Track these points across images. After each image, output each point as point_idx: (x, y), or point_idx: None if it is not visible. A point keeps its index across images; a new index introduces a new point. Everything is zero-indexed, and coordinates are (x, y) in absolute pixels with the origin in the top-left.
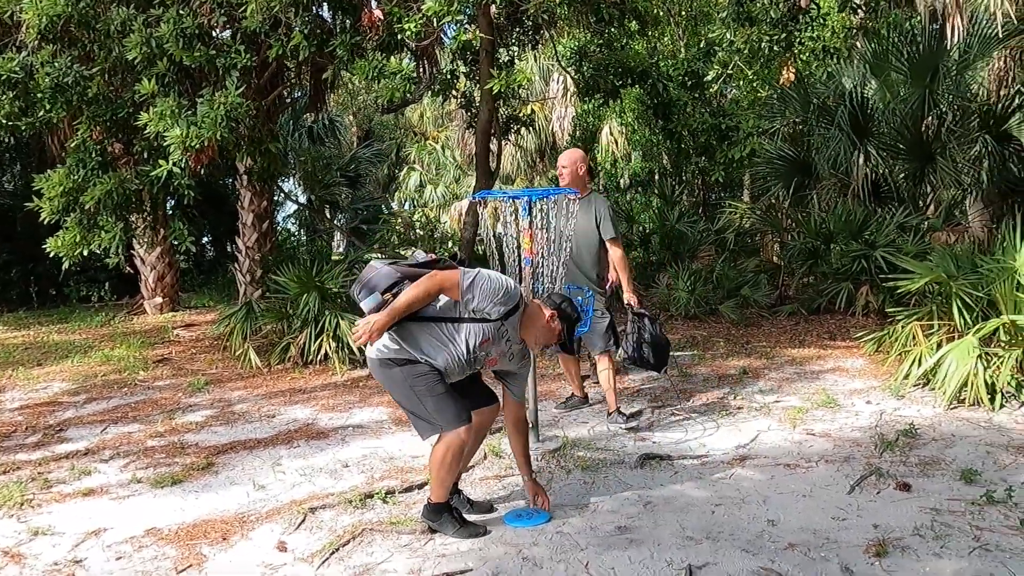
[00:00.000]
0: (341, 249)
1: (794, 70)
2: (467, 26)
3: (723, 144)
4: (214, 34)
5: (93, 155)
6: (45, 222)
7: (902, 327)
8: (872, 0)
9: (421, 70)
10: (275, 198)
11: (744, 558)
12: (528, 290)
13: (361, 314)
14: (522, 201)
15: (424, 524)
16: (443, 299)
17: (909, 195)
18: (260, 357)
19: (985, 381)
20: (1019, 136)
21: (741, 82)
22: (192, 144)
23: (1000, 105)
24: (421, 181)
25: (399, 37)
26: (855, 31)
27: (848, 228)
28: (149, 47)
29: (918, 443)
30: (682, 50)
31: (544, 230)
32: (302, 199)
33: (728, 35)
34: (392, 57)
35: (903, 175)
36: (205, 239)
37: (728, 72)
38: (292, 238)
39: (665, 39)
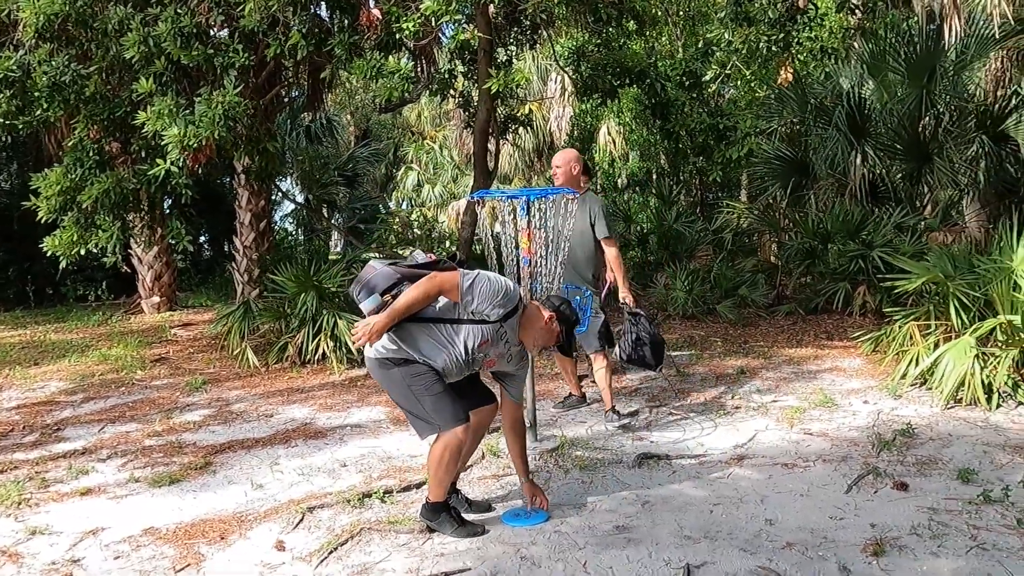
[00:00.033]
0: (339, 248)
1: (792, 70)
2: (465, 25)
3: (721, 144)
4: (212, 33)
5: (91, 154)
6: (42, 221)
7: (899, 327)
8: (870, 0)
9: (419, 69)
10: (272, 197)
11: (742, 557)
12: (526, 290)
13: (359, 314)
14: (520, 201)
15: (422, 523)
16: (442, 300)
17: (906, 195)
18: (258, 356)
19: (982, 381)
20: (1016, 136)
21: (739, 82)
22: (190, 143)
23: (997, 106)
24: (419, 180)
25: (397, 36)
26: (853, 31)
27: (845, 228)
28: (147, 46)
29: (915, 443)
30: (680, 50)
31: (542, 230)
32: (299, 198)
33: (726, 35)
34: (390, 56)
35: (900, 175)
36: (202, 238)
37: (726, 72)
38: (289, 237)
39: (663, 39)
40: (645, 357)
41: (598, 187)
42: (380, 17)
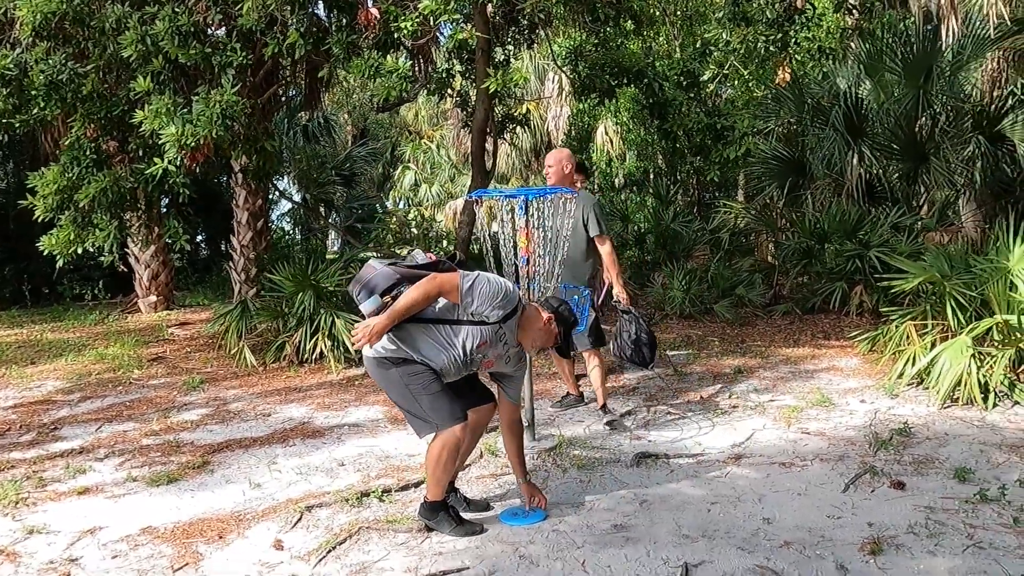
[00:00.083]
0: (336, 248)
1: (789, 70)
2: (463, 25)
3: (718, 144)
4: (210, 32)
5: (88, 153)
6: (39, 220)
7: (896, 326)
8: (867, 1)
9: (417, 69)
10: (270, 196)
11: (740, 556)
12: (524, 289)
13: (357, 313)
14: (518, 200)
15: (421, 522)
16: (442, 301)
17: (903, 195)
18: (255, 356)
19: (978, 380)
20: (1012, 137)
21: (736, 82)
22: (187, 142)
23: (993, 106)
24: (416, 180)
25: (395, 35)
26: (850, 32)
27: (842, 228)
28: (144, 44)
29: (912, 442)
30: (678, 50)
31: (540, 229)
32: (297, 197)
33: (724, 35)
34: (388, 56)
35: (897, 175)
36: (200, 237)
37: (724, 72)
38: (287, 237)
39: (661, 39)
40: (638, 354)
41: (595, 187)
42: (378, 16)
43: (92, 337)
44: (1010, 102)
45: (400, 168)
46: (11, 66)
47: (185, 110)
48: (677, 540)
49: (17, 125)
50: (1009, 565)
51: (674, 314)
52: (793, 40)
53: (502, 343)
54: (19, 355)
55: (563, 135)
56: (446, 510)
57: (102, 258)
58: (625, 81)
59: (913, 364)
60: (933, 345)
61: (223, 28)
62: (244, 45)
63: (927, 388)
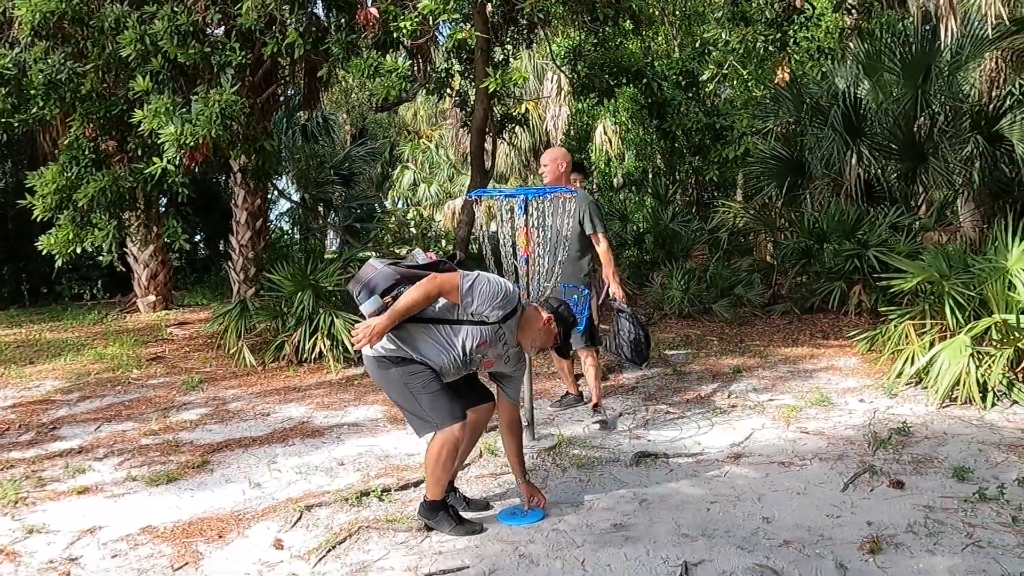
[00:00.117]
0: (335, 247)
1: (788, 70)
2: (462, 24)
3: (717, 144)
4: (209, 31)
5: (86, 152)
6: (38, 219)
7: (895, 326)
8: (866, 1)
9: (416, 68)
10: (269, 196)
11: (739, 555)
12: (523, 289)
13: (356, 312)
14: (518, 200)
15: (420, 522)
16: (442, 301)
17: (901, 195)
18: (254, 355)
19: (977, 380)
20: (1010, 137)
21: (735, 82)
22: (186, 142)
23: (992, 106)
24: (415, 179)
25: (394, 35)
26: (849, 32)
27: (841, 227)
28: (143, 44)
29: (911, 441)
30: (676, 50)
31: (540, 229)
32: (296, 197)
33: (723, 35)
34: (387, 55)
35: (895, 175)
36: (198, 237)
37: (722, 72)
38: (286, 236)
39: (660, 39)
40: (633, 352)
41: (594, 186)
42: (377, 16)
43: (91, 337)
44: (1008, 102)
45: (399, 168)
46: (10, 65)
47: (184, 110)
48: (676, 539)
49: (16, 124)
50: (1008, 564)
51: (673, 314)
52: (792, 40)
53: (502, 343)
54: (18, 355)
55: (562, 135)
56: (446, 509)
57: (101, 258)
58: (624, 81)
59: (912, 363)
60: (932, 345)
61: (222, 28)
62: (243, 45)
63: (926, 387)
